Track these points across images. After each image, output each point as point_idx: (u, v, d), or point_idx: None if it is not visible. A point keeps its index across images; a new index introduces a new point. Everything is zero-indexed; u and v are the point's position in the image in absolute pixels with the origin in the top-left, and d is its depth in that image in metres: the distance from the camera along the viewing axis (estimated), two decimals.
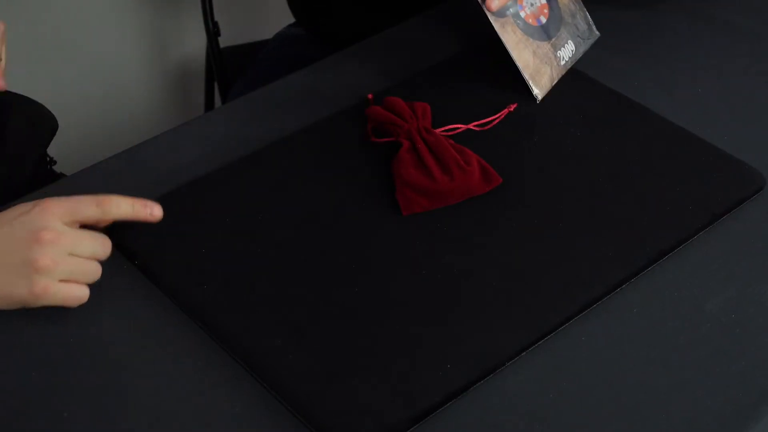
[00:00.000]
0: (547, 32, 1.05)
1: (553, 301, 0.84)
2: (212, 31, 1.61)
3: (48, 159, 1.15)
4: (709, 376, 0.80)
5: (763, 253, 0.91)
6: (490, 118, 1.03)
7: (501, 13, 1.03)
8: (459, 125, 1.01)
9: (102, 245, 0.82)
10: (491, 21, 1.02)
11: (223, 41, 1.63)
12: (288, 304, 0.83)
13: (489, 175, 0.94)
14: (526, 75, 1.03)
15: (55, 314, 0.82)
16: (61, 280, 0.79)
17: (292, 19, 1.50)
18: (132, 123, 1.83)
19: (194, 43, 1.87)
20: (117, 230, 0.88)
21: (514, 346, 0.80)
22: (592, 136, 1.02)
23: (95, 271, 0.82)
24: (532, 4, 1.04)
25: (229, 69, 1.62)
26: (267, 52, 1.49)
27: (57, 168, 1.17)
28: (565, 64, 1.06)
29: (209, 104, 1.75)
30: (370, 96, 1.05)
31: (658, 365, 0.80)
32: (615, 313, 0.84)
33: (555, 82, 1.04)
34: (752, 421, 0.77)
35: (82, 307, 0.83)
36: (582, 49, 1.08)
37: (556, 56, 1.02)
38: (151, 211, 0.85)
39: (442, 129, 1.00)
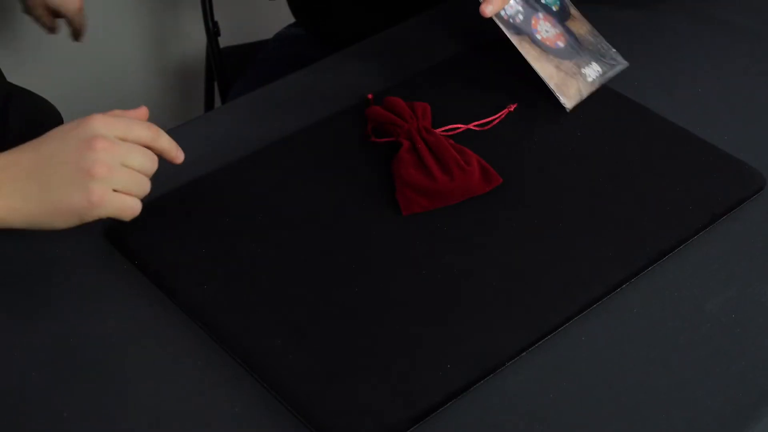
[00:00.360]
0: (566, 54, 1.04)
1: (553, 301, 0.84)
2: (212, 31, 1.61)
3: None
4: (709, 376, 0.80)
5: (763, 253, 0.91)
6: (490, 118, 1.03)
7: (517, 30, 1.03)
8: (459, 125, 1.01)
9: (151, 160, 0.83)
10: (507, 36, 1.02)
11: (223, 41, 1.63)
12: (288, 304, 0.83)
13: (489, 175, 0.94)
14: (551, 85, 1.02)
15: (55, 314, 0.82)
16: (115, 190, 0.80)
17: (292, 19, 1.50)
18: None
19: (194, 43, 1.87)
20: (117, 230, 0.88)
21: (514, 346, 0.80)
22: (592, 136, 1.02)
23: (145, 185, 0.83)
24: (546, 31, 1.03)
25: (229, 69, 1.62)
26: (267, 52, 1.49)
27: None
28: (592, 81, 1.05)
29: (209, 104, 1.75)
30: (370, 96, 1.05)
31: (658, 365, 0.80)
32: (615, 313, 0.84)
33: (585, 96, 1.03)
34: (752, 421, 0.77)
35: (82, 307, 0.83)
36: (610, 74, 1.07)
37: (581, 73, 1.02)
38: (178, 156, 0.87)
39: (442, 129, 1.00)
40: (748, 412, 0.78)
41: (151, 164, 0.83)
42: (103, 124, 0.81)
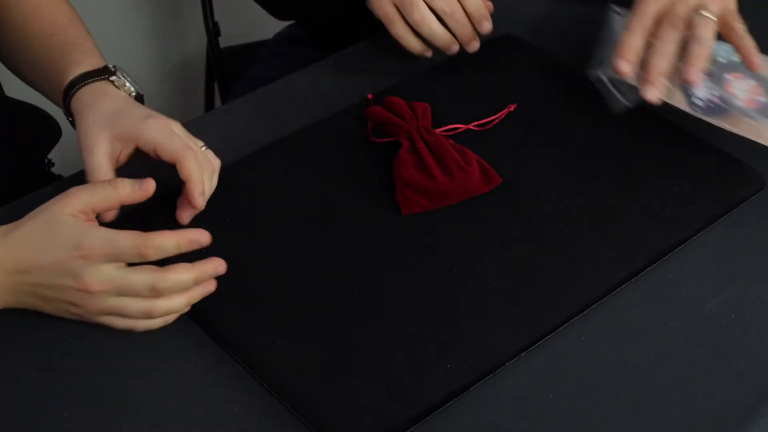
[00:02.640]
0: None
1: (553, 301, 0.84)
2: (212, 31, 1.61)
3: (46, 161, 1.15)
4: (709, 376, 0.80)
5: (763, 253, 0.91)
6: (490, 118, 1.03)
7: (720, 112, 0.97)
8: (459, 125, 1.01)
9: (151, 287, 0.77)
10: (716, 124, 0.96)
11: (223, 41, 1.63)
12: (288, 304, 0.83)
13: (489, 175, 0.94)
14: None
15: (54, 318, 0.82)
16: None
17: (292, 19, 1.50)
18: None
19: (194, 43, 1.87)
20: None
21: (514, 346, 0.80)
22: (592, 136, 1.02)
23: (151, 311, 0.78)
24: (743, 90, 0.96)
25: (229, 69, 1.62)
26: (267, 52, 1.49)
27: (55, 170, 1.17)
28: None
29: (209, 104, 1.75)
30: (370, 96, 1.05)
31: (658, 365, 0.80)
32: (615, 313, 0.84)
33: None
34: (752, 421, 0.77)
35: None
36: None
37: None
38: (193, 243, 0.79)
39: (442, 129, 1.00)
40: (748, 412, 0.78)
41: (153, 291, 0.77)
42: (92, 262, 0.76)
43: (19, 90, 1.06)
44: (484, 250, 0.89)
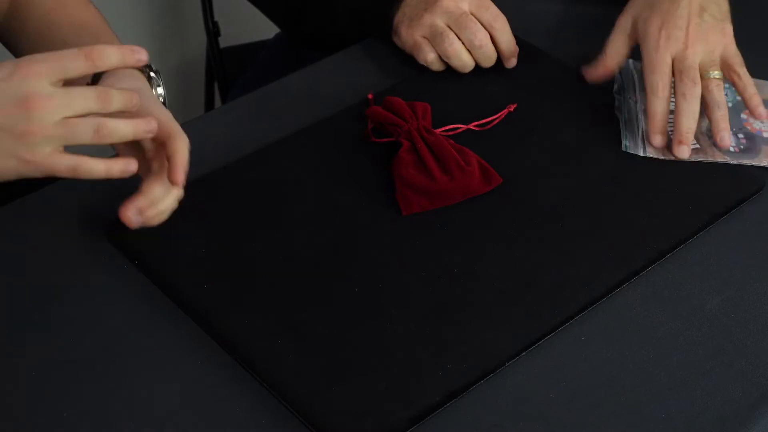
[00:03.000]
0: None
1: (553, 301, 0.84)
2: (212, 31, 1.61)
3: None
4: (709, 376, 0.80)
5: (763, 253, 0.91)
6: (490, 118, 1.03)
7: (754, 150, 0.99)
8: (459, 125, 1.01)
9: (98, 97, 0.73)
10: (759, 164, 0.98)
11: (223, 41, 1.63)
12: (288, 304, 0.83)
13: (489, 175, 0.94)
14: None
15: (55, 314, 0.82)
16: (56, 147, 0.73)
17: None
18: None
19: (194, 43, 1.87)
20: (117, 230, 0.88)
21: (514, 346, 0.80)
22: (592, 136, 1.02)
23: (94, 128, 0.73)
24: (764, 123, 0.98)
25: (229, 69, 1.62)
26: (267, 52, 1.49)
27: None
28: None
29: (209, 104, 1.75)
30: (370, 96, 1.05)
31: (658, 365, 0.80)
32: (615, 313, 0.84)
33: None
34: (752, 421, 0.77)
35: (82, 307, 0.83)
36: None
37: None
38: (139, 56, 0.76)
39: (442, 129, 1.00)
40: (748, 412, 0.78)
41: (100, 102, 0.73)
42: (35, 76, 0.71)
43: None
44: (484, 250, 0.89)
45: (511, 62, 1.09)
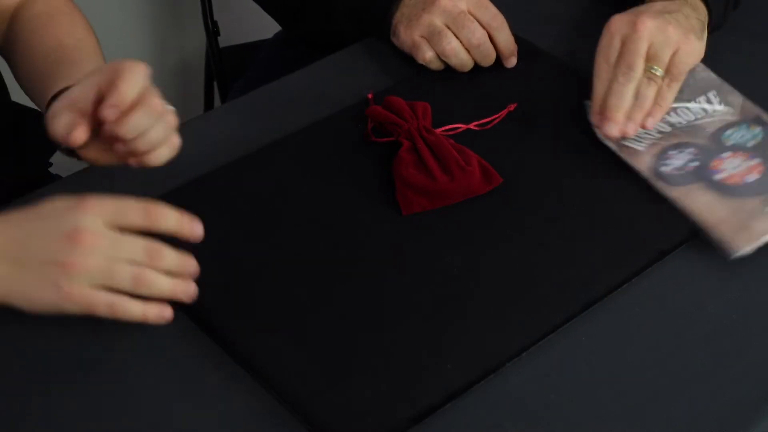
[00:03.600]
0: (756, 189, 0.92)
1: (553, 301, 0.84)
2: (212, 30, 1.60)
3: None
4: (709, 377, 0.80)
5: (763, 254, 0.90)
6: (490, 118, 1.03)
7: (687, 179, 0.93)
8: (459, 125, 1.01)
9: (146, 250, 0.75)
10: (667, 194, 0.93)
11: (223, 41, 1.63)
12: (288, 304, 0.83)
13: (489, 175, 0.94)
14: (718, 232, 0.89)
15: (55, 314, 0.81)
16: (93, 287, 0.74)
17: None
18: None
19: (194, 43, 1.87)
20: None
21: (514, 346, 0.80)
22: (592, 136, 1.02)
23: (135, 278, 0.75)
24: (735, 167, 0.93)
25: (229, 69, 1.62)
26: (267, 52, 1.49)
27: (53, 169, 1.17)
28: None
29: (209, 104, 1.75)
30: (370, 96, 1.05)
31: (658, 365, 0.80)
32: (615, 313, 0.84)
33: None
34: (752, 421, 0.77)
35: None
36: None
37: None
38: (193, 230, 0.78)
39: (442, 129, 1.00)
40: (748, 412, 0.78)
41: (149, 258, 0.75)
42: (91, 213, 0.73)
43: (24, 95, 1.06)
44: (484, 250, 0.89)
45: (511, 61, 1.09)
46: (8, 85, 1.08)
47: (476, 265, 0.87)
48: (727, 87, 1.03)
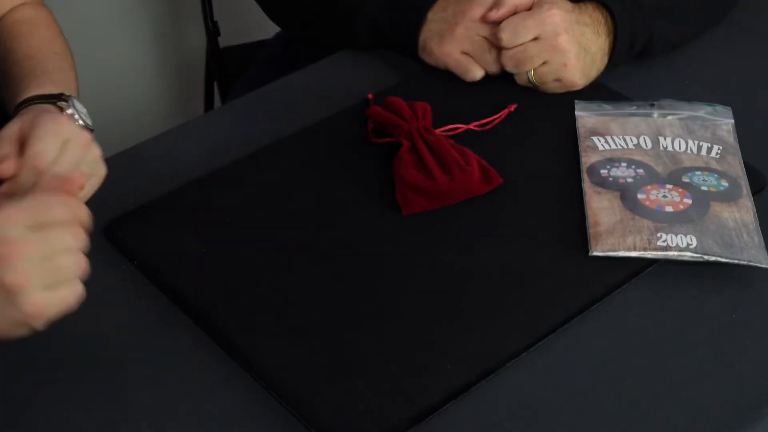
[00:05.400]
0: (659, 217, 0.90)
1: (553, 301, 0.84)
2: (212, 30, 1.60)
3: None
4: (709, 377, 0.80)
5: None
6: (490, 118, 1.03)
7: (600, 183, 0.94)
8: (459, 125, 1.01)
9: (75, 236, 0.72)
10: (584, 186, 0.94)
11: (223, 41, 1.63)
12: (288, 304, 0.83)
13: (489, 175, 0.94)
14: (589, 227, 0.90)
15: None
16: (47, 290, 0.70)
17: None
18: (131, 123, 1.83)
19: (194, 43, 1.87)
20: (117, 230, 0.88)
21: (514, 346, 0.80)
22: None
23: (80, 261, 0.72)
24: (664, 196, 0.92)
25: (229, 69, 1.62)
26: (267, 52, 1.49)
27: None
28: (671, 254, 0.87)
29: (209, 104, 1.75)
30: (370, 96, 1.05)
31: (658, 365, 0.80)
32: (615, 313, 0.84)
33: (639, 255, 0.88)
34: (752, 421, 0.77)
35: (82, 307, 0.83)
36: (722, 259, 0.87)
37: (655, 236, 0.88)
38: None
39: (442, 129, 1.00)
40: (748, 412, 0.78)
41: (78, 240, 0.72)
42: (8, 222, 0.69)
43: None
44: (484, 250, 0.89)
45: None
46: None
47: (476, 265, 0.87)
48: (735, 148, 1.00)
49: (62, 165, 0.78)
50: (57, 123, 0.80)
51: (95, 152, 0.83)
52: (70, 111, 0.88)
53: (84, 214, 0.74)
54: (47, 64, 0.95)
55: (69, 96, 0.90)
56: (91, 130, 0.90)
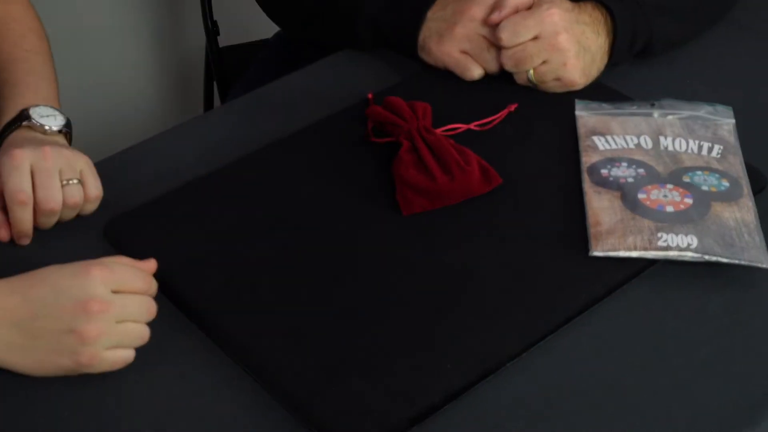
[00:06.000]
0: (659, 217, 0.90)
1: (553, 301, 0.84)
2: (211, 30, 1.60)
3: None
4: (709, 377, 0.80)
5: None
6: (490, 118, 1.03)
7: (601, 183, 0.94)
8: (459, 125, 1.01)
9: (148, 309, 0.79)
10: (584, 186, 0.94)
11: (223, 41, 1.63)
12: (288, 304, 0.83)
13: (489, 175, 0.94)
14: (589, 227, 0.89)
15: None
16: (108, 348, 0.77)
17: None
18: (131, 123, 1.83)
19: (193, 43, 1.87)
20: (117, 230, 0.88)
21: (514, 346, 0.80)
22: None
23: (142, 333, 0.78)
24: (665, 196, 0.92)
25: (229, 69, 1.62)
26: (267, 52, 1.49)
27: None
28: (672, 254, 0.87)
29: (208, 104, 1.74)
30: (370, 96, 1.05)
31: (659, 365, 0.80)
32: (615, 313, 0.84)
33: (640, 255, 0.87)
34: (752, 421, 0.77)
35: None
36: (723, 260, 0.87)
37: (656, 236, 0.88)
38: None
39: (443, 129, 1.00)
40: (749, 412, 0.77)
41: (148, 313, 0.79)
42: (100, 281, 0.76)
43: None
44: (484, 250, 0.88)
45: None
46: None
47: (476, 265, 0.87)
48: (736, 148, 0.99)
49: (42, 188, 0.86)
50: (11, 157, 0.87)
51: (67, 154, 0.89)
52: (37, 124, 0.92)
53: (155, 290, 0.80)
54: (16, 75, 0.98)
55: (25, 109, 0.93)
56: (68, 129, 0.94)
